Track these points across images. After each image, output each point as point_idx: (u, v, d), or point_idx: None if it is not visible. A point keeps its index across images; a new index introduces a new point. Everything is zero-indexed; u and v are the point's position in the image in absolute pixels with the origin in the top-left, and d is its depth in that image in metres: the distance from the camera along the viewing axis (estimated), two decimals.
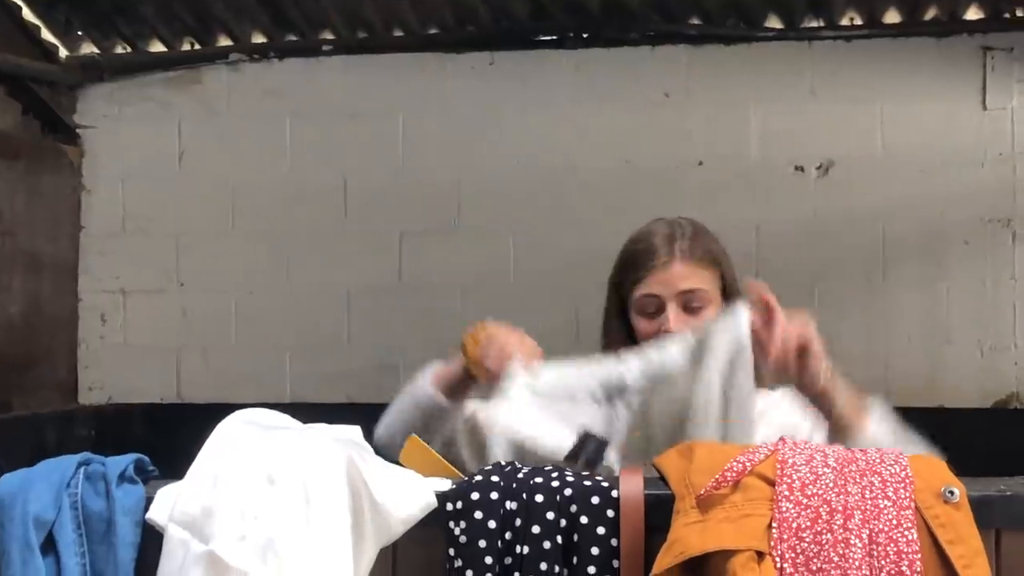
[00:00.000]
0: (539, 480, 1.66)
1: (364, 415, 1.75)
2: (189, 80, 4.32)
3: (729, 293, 2.36)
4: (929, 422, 3.75)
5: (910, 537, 1.52)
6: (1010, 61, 3.93)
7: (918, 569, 1.50)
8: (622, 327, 2.38)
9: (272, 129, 4.27)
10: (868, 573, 1.51)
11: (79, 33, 4.35)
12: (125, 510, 1.62)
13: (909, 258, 4.03)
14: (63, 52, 4.36)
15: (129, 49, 4.38)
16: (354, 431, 1.74)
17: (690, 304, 2.30)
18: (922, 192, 3.99)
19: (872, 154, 4.01)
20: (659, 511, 1.61)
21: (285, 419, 1.73)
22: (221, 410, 1.73)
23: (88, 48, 4.39)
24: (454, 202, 4.18)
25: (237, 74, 4.30)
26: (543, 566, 1.60)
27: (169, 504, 1.62)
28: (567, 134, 4.12)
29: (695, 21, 4.08)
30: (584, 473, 1.70)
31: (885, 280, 4.03)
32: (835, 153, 4.03)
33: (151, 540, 1.63)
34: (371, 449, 1.72)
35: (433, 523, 1.66)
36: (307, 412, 1.79)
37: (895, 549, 1.52)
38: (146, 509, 1.64)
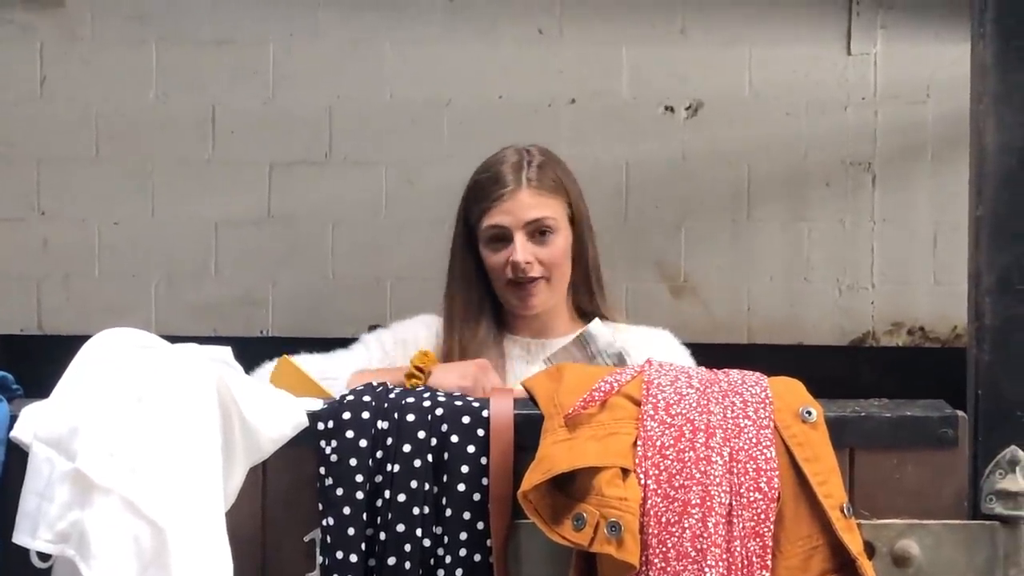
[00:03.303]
0: (410, 400, 1.68)
1: (231, 348, 1.73)
2: (51, 3, 4.18)
3: (576, 221, 2.38)
4: (788, 359, 3.88)
5: (769, 455, 1.58)
6: (875, 8, 4.02)
7: (775, 485, 1.56)
8: (469, 258, 2.38)
9: (137, 55, 4.15)
10: (728, 489, 1.56)
11: None
12: None
13: (772, 198, 4.12)
14: None
15: None
16: (225, 351, 1.73)
17: (537, 233, 2.31)
18: (786, 134, 4.07)
19: (739, 96, 4.07)
20: (528, 430, 1.64)
21: (154, 339, 1.71)
22: (83, 342, 1.70)
23: None
24: (325, 134, 4.14)
25: None
26: (413, 483, 1.62)
27: (34, 422, 1.60)
28: (441, 67, 4.10)
29: None
30: (455, 394, 1.72)
31: (749, 219, 4.11)
32: (704, 94, 4.08)
33: (16, 460, 1.60)
34: (241, 369, 1.71)
35: (304, 442, 1.67)
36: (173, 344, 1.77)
37: (754, 466, 1.57)
38: (10, 428, 1.61)
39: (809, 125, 4.06)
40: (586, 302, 2.43)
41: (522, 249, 2.29)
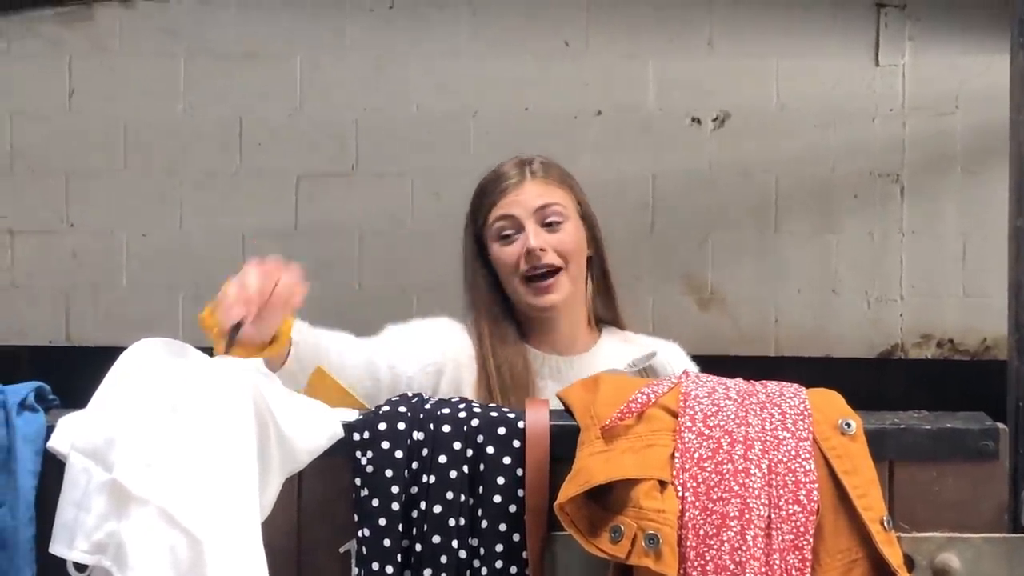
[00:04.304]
0: (446, 411, 1.68)
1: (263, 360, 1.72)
2: (80, 16, 4.21)
3: (587, 217, 2.33)
4: (816, 371, 3.86)
5: (808, 467, 1.57)
6: (903, 18, 4.01)
7: (815, 498, 1.55)
8: (483, 268, 2.31)
9: (166, 68, 4.18)
10: (767, 502, 1.55)
11: None
12: (26, 438, 1.60)
13: (800, 210, 4.11)
14: None
15: None
16: (259, 362, 1.72)
17: (547, 220, 2.25)
18: (814, 145, 4.06)
19: (767, 107, 4.07)
20: (564, 442, 1.63)
21: (189, 349, 1.71)
22: (111, 353, 1.69)
23: None
24: (352, 146, 4.15)
25: (130, 11, 4.20)
26: (449, 495, 1.62)
27: (71, 432, 1.60)
28: (466, 79, 4.11)
29: None
30: (491, 405, 1.72)
31: (776, 231, 4.11)
32: (731, 106, 4.08)
33: (53, 469, 1.61)
34: (277, 380, 1.71)
35: (339, 453, 1.66)
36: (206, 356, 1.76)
37: (793, 479, 1.56)
38: (47, 438, 1.61)
39: (837, 136, 4.05)
40: (603, 309, 2.39)
41: (535, 235, 2.22)
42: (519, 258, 2.24)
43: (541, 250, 2.22)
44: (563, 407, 1.70)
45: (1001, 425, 1.65)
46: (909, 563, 1.58)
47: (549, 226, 2.25)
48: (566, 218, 2.27)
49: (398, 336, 2.29)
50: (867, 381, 3.96)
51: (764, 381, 1.67)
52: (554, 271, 2.25)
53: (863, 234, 4.10)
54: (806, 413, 1.61)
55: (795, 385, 1.65)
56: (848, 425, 1.60)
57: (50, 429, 1.62)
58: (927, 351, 4.09)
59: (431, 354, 2.25)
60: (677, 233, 4.11)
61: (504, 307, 2.31)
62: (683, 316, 4.07)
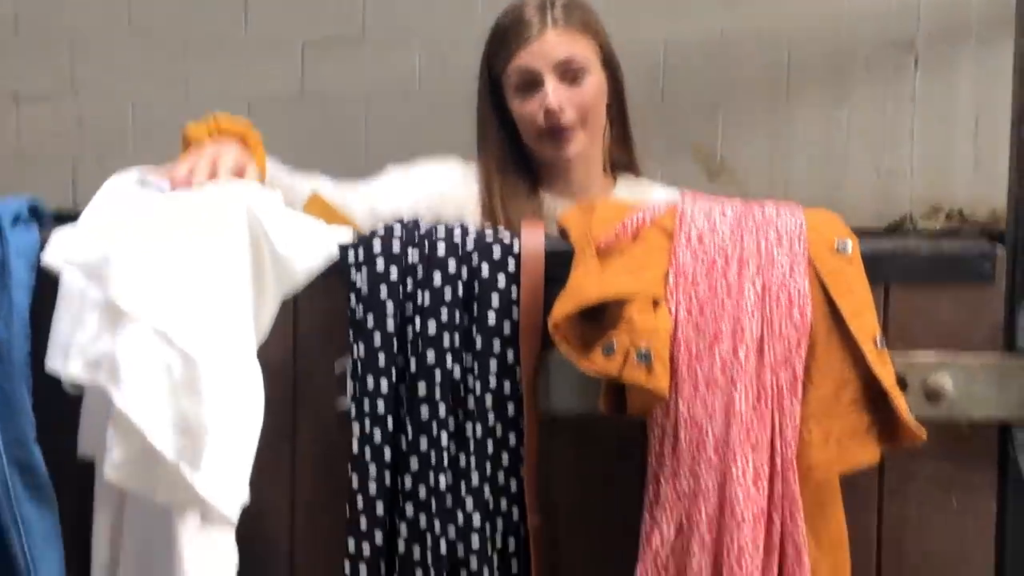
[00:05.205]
0: (441, 232, 1.67)
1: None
2: None
3: (608, 63, 2.27)
4: None
5: (802, 287, 1.56)
6: None
7: (808, 317, 1.54)
8: (496, 113, 2.27)
9: None
10: (760, 320, 1.55)
11: None
12: (19, 252, 1.59)
13: (812, 80, 4.04)
14: None
15: None
16: (254, 184, 1.72)
17: (568, 74, 2.19)
18: (828, 13, 3.97)
19: None
20: (560, 264, 1.62)
21: None
22: None
23: None
24: (359, 12, 4.09)
25: None
26: (444, 314, 1.62)
27: (65, 248, 1.59)
28: None
29: None
30: (487, 228, 1.71)
31: (788, 102, 4.05)
32: None
33: (47, 286, 1.60)
34: (277, 194, 1.70)
35: (335, 274, 1.66)
36: None
37: (787, 298, 1.55)
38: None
39: (851, 4, 3.97)
40: (620, 153, 2.36)
41: (554, 93, 2.17)
42: (537, 114, 2.20)
43: (560, 109, 2.18)
44: (561, 233, 1.70)
45: (1000, 248, 1.64)
46: (901, 384, 1.58)
47: (570, 80, 2.21)
48: (587, 71, 2.22)
49: (400, 177, 2.28)
50: None
51: (762, 201, 1.65)
52: (574, 126, 2.21)
53: (875, 104, 4.04)
54: (802, 233, 1.60)
55: (792, 204, 1.64)
56: (844, 246, 1.59)
57: (44, 245, 1.61)
58: (936, 222, 4.06)
59: (432, 196, 2.24)
60: (687, 102, 4.05)
61: (518, 155, 2.28)
62: (692, 185, 3.95)
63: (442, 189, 2.24)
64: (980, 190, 4.02)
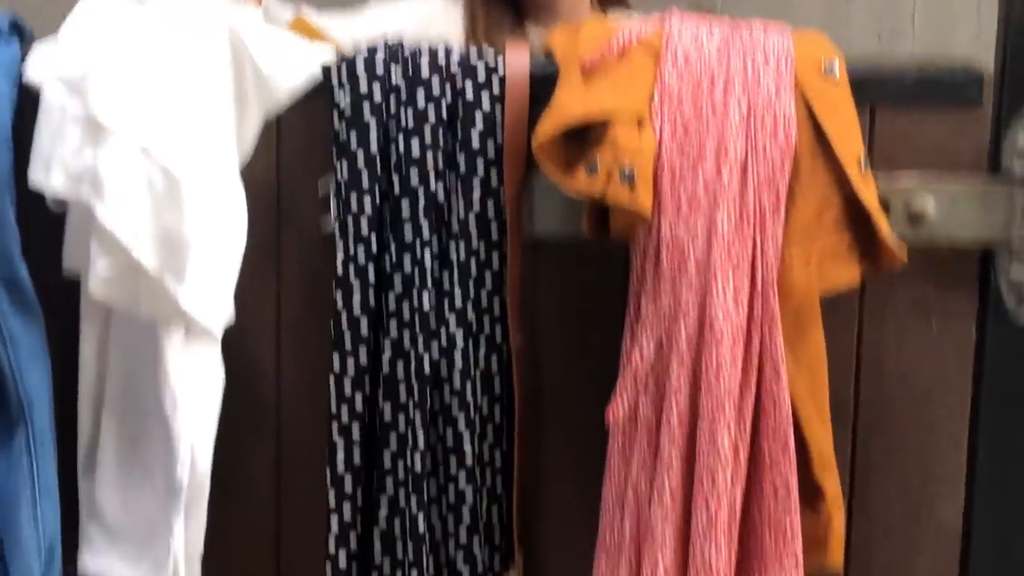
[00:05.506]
0: (425, 51, 1.65)
1: None
2: None
3: None
4: None
5: (787, 107, 1.55)
6: None
7: (792, 137, 1.54)
8: None
9: None
10: (744, 141, 1.54)
11: None
12: (0, 66, 1.57)
13: None
14: None
15: None
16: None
17: None
18: None
19: None
20: (545, 86, 1.61)
21: None
22: None
23: None
24: None
25: None
26: (427, 134, 1.61)
27: (46, 63, 1.58)
28: None
29: None
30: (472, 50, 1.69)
31: None
32: None
33: (28, 103, 1.59)
34: (255, 15, 1.68)
35: (319, 95, 1.65)
36: None
37: (771, 118, 1.54)
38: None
39: None
40: None
41: None
42: None
43: None
44: (546, 57, 1.68)
45: (988, 71, 1.62)
46: (884, 206, 1.57)
47: None
48: None
49: (382, 11, 2.26)
50: None
51: (750, 21, 1.63)
52: None
53: None
54: (789, 54, 1.58)
55: (781, 25, 1.62)
56: (831, 66, 1.57)
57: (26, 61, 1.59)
58: None
59: (415, 29, 2.21)
60: None
61: None
62: None
63: (425, 22, 2.22)
64: (981, 52, 3.96)
